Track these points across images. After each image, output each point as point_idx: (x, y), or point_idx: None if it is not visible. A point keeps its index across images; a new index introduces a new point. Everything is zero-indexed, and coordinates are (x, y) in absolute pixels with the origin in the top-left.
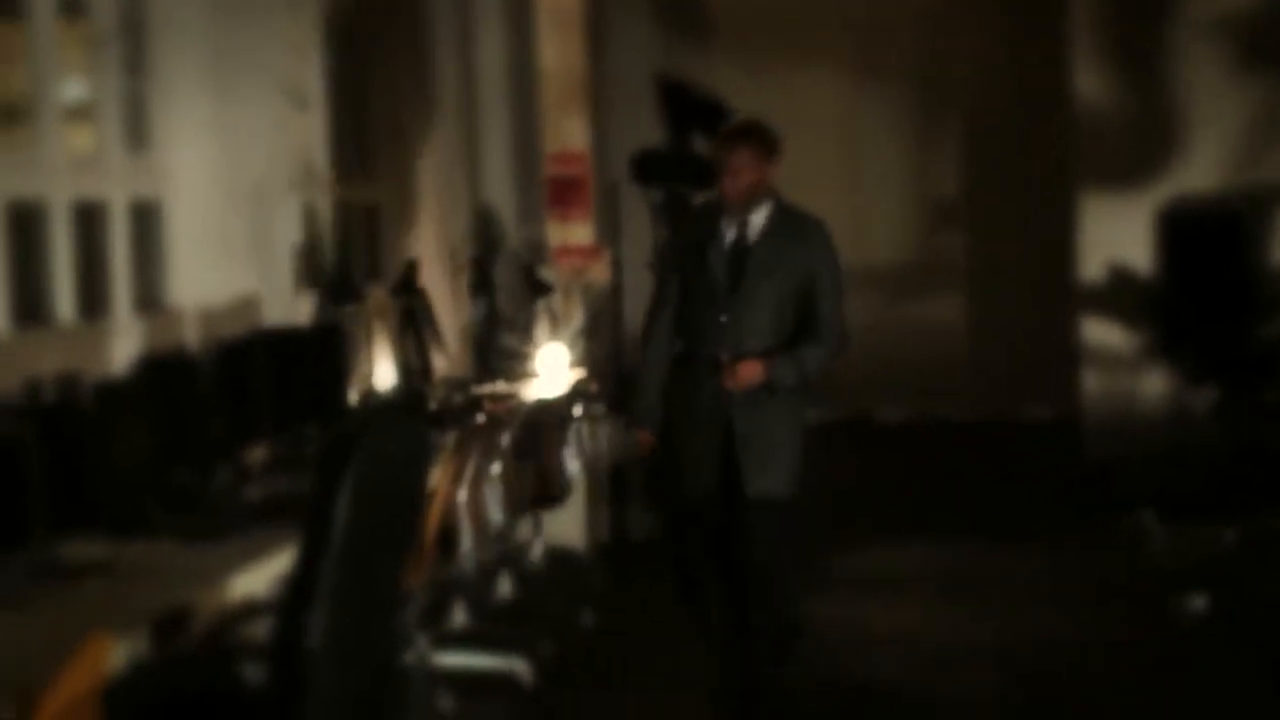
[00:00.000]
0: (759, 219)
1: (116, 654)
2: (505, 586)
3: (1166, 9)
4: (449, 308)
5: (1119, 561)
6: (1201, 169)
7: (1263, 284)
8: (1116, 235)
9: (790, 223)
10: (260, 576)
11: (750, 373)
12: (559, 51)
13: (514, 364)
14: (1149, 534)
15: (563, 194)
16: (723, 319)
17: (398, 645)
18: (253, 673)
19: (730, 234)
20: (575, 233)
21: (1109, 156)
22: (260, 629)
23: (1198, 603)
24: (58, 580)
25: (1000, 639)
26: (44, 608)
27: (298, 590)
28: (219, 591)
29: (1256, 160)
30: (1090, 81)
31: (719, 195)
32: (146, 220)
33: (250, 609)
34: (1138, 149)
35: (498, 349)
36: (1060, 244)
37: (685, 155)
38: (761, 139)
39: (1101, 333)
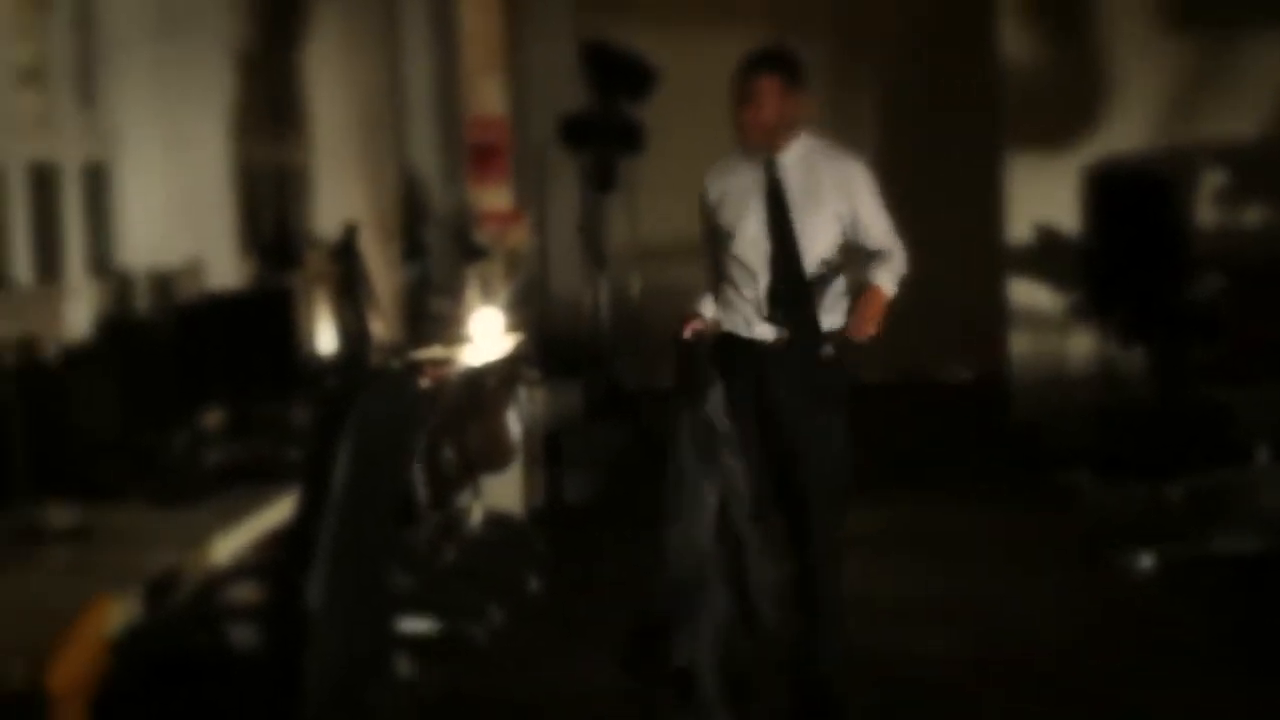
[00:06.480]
0: (790, 158)
1: (115, 616)
2: (448, 551)
3: None
4: (380, 272)
5: (1057, 519)
6: (1129, 129)
7: (1190, 243)
8: (1043, 195)
9: (826, 158)
10: (237, 539)
11: (875, 311)
12: (478, 14)
13: (446, 329)
14: (1084, 491)
15: (480, 159)
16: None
17: (391, 607)
18: (240, 635)
19: (756, 175)
20: (493, 197)
21: (1036, 115)
22: (243, 592)
23: (1145, 560)
24: (41, 544)
25: (950, 597)
26: (34, 571)
27: (296, 551)
28: (201, 554)
29: (1184, 120)
30: (1017, 39)
31: (738, 131)
32: (96, 182)
33: (235, 572)
34: (1065, 108)
35: (429, 314)
36: (983, 203)
37: (613, 118)
38: (787, 65)
39: (1029, 293)
